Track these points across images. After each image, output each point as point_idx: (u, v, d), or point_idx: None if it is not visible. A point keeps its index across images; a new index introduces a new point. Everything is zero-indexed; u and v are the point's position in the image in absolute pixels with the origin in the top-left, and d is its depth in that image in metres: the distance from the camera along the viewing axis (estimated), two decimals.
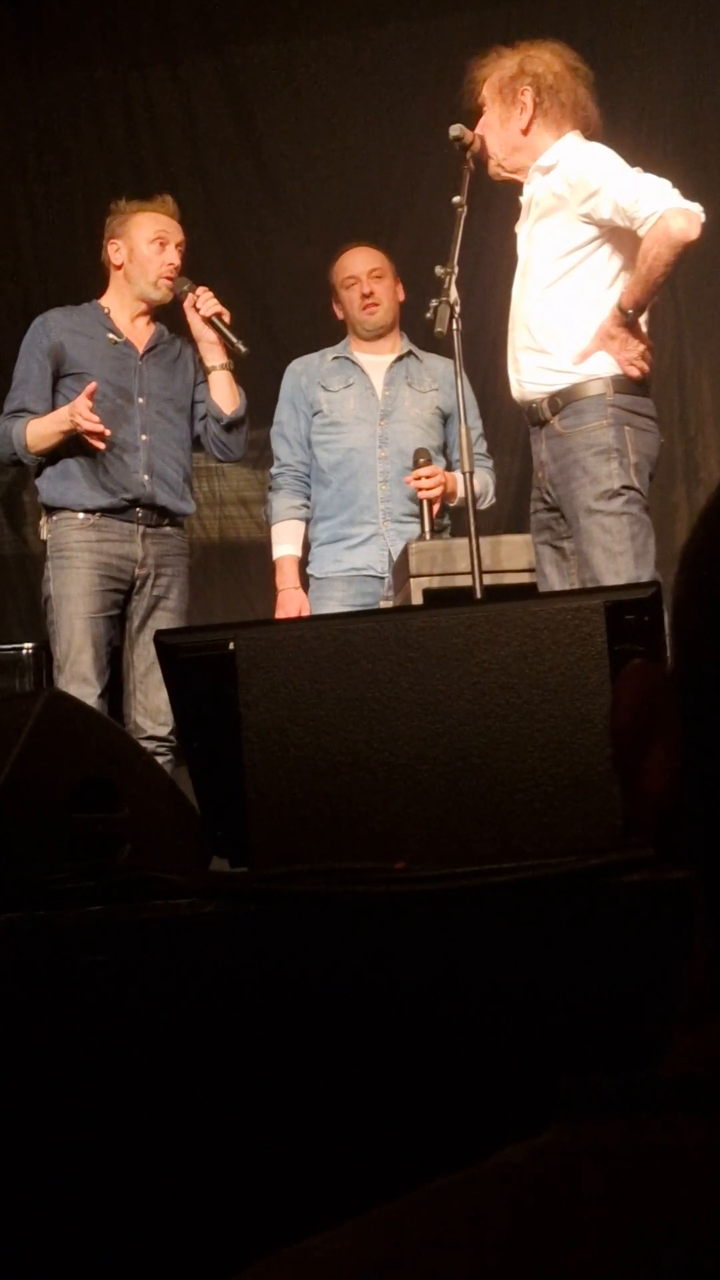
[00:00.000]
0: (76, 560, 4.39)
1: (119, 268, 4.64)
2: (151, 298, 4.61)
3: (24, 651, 4.91)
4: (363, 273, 4.91)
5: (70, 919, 1.53)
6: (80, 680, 4.26)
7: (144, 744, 3.96)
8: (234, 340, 4.51)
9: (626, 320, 3.82)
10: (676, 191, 3.75)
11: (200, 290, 4.54)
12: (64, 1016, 1.47)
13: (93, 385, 4.28)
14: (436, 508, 4.64)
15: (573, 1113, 0.54)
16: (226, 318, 4.53)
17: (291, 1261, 0.53)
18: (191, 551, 4.80)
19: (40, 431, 4.39)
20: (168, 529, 4.55)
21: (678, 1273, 0.47)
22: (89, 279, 4.88)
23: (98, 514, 4.41)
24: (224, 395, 4.59)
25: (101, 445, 4.30)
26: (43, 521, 4.57)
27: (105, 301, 4.68)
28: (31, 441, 4.40)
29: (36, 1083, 1.46)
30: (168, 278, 4.58)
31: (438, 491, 4.61)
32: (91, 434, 4.26)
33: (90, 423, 4.22)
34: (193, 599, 4.74)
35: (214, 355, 4.58)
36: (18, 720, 1.73)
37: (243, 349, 4.51)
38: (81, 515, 4.42)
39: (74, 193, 6.20)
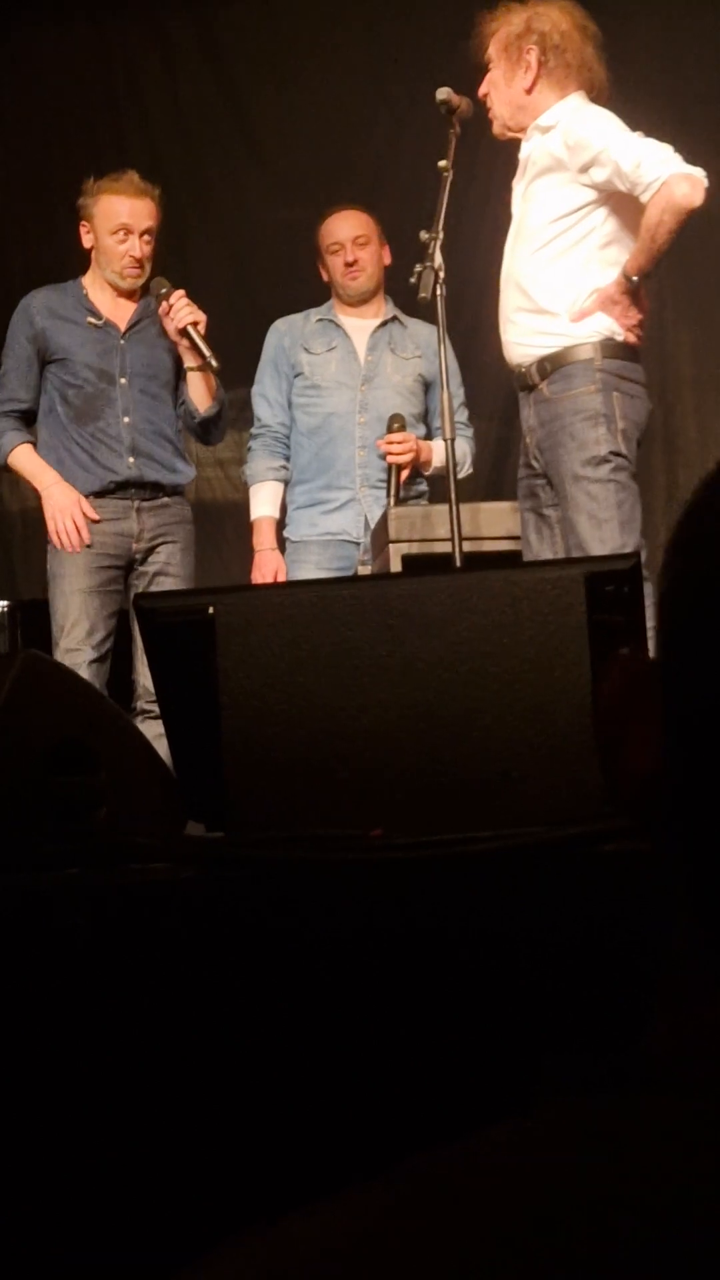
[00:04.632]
0: None
1: (90, 250, 4.62)
2: (120, 286, 4.58)
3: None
4: (347, 239, 4.85)
5: (47, 882, 1.53)
6: (71, 651, 4.32)
7: (148, 707, 4.14)
8: (207, 355, 4.43)
9: (631, 287, 3.81)
10: (679, 157, 3.73)
11: (175, 298, 4.44)
12: (39, 980, 1.47)
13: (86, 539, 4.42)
14: (405, 474, 4.62)
15: (557, 1092, 0.54)
16: (201, 327, 4.45)
17: (268, 1239, 0.53)
18: None
19: (23, 467, 4.54)
20: (165, 499, 4.56)
21: (665, 1251, 0.47)
22: (71, 250, 4.77)
23: (90, 497, 4.46)
24: (200, 395, 4.56)
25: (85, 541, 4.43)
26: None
27: (86, 280, 4.65)
28: (12, 463, 4.55)
29: (10, 1047, 1.46)
30: (132, 269, 4.54)
31: (408, 458, 4.59)
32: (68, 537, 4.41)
33: (68, 538, 4.39)
34: None
35: (191, 356, 4.53)
36: None
37: (215, 365, 4.45)
38: None
39: (54, 157, 6.11)
